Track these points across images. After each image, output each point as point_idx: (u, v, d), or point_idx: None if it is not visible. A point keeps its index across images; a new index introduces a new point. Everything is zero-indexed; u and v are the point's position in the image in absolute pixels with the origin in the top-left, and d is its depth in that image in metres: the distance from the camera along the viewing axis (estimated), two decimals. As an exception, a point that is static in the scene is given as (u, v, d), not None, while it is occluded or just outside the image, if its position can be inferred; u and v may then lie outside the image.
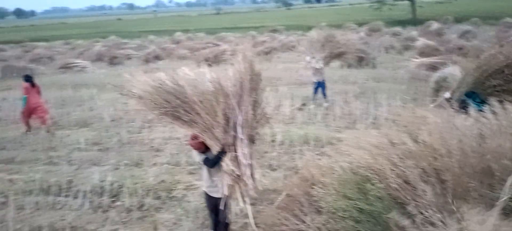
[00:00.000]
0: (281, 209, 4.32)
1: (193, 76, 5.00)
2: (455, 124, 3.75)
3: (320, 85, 12.30)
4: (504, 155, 3.31)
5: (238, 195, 4.75)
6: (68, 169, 8.26)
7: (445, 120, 3.86)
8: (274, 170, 7.87)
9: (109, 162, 8.61)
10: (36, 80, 11.76)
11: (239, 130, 4.70)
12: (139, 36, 46.93)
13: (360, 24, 40.52)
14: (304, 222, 3.76)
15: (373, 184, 3.46)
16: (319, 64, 12.36)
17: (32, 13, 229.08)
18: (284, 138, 9.36)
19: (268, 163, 8.15)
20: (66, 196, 7.14)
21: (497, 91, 7.15)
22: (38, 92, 11.26)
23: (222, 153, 4.69)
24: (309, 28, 40.91)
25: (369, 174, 3.52)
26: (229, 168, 4.65)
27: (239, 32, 42.83)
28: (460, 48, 18.48)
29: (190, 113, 4.75)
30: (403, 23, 42.99)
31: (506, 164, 3.33)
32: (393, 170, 3.52)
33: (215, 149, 4.75)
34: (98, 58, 26.37)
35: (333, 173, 3.73)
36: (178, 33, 44.76)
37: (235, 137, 4.71)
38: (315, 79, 12.37)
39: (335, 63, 17.68)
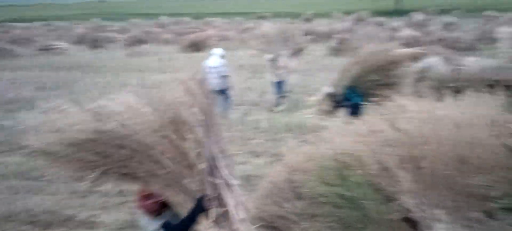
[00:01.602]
0: (263, 196, 4.35)
1: (137, 107, 3.22)
2: (434, 113, 3.83)
3: (280, 85, 11.12)
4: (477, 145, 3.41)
5: None
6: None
7: (424, 108, 3.94)
8: (257, 156, 7.94)
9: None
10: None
11: (221, 172, 3.35)
12: (123, 19, 46.28)
13: (348, 13, 40.72)
14: (284, 208, 3.82)
15: (352, 170, 3.54)
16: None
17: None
18: (268, 125, 9.42)
19: (252, 149, 8.22)
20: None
21: (377, 85, 7.26)
22: None
23: (199, 211, 3.20)
24: (297, 15, 40.88)
25: (349, 161, 3.60)
26: None
27: (226, 18, 42.56)
28: (441, 40, 18.71)
29: (145, 164, 3.19)
30: (389, 13, 43.29)
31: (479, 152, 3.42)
32: (372, 157, 3.59)
33: (184, 207, 3.26)
34: (79, 41, 26.03)
35: (314, 160, 3.81)
36: (163, 17, 44.25)
37: (216, 184, 3.31)
38: (278, 79, 11.05)
39: (320, 51, 17.70)
